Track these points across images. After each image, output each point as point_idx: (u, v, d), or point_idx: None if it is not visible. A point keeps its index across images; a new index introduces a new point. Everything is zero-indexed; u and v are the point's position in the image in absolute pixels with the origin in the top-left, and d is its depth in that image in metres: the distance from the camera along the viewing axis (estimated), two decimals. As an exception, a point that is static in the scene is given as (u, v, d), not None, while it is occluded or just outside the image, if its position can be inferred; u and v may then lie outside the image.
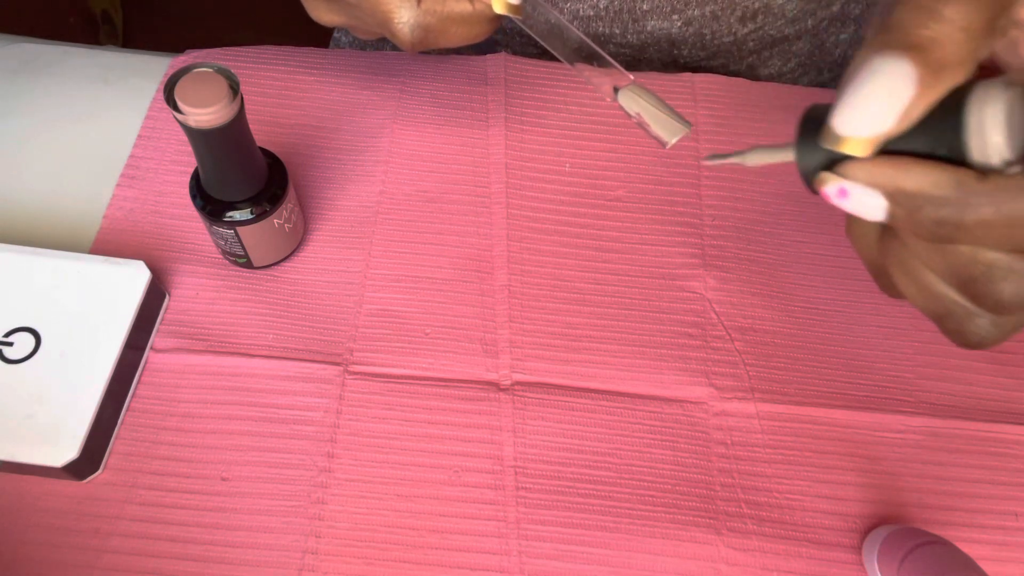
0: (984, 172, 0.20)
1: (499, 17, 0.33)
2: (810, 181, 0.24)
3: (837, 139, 0.22)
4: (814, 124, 0.23)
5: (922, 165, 0.21)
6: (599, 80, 0.30)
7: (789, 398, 0.40)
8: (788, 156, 0.24)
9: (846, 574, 0.37)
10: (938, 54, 0.20)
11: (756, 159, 0.26)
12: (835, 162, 0.23)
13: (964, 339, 0.24)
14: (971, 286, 0.22)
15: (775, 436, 0.39)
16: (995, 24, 0.21)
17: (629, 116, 0.29)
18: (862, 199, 0.22)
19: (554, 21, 0.32)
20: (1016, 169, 0.20)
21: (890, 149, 0.22)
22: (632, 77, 0.28)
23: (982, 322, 0.23)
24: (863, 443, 0.39)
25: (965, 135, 0.20)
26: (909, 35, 0.20)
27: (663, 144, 0.28)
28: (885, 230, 0.24)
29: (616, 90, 0.29)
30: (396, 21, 0.32)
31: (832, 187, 0.23)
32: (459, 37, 0.33)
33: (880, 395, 0.41)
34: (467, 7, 0.33)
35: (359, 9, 0.34)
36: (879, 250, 0.25)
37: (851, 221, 0.26)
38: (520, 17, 0.32)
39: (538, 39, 0.32)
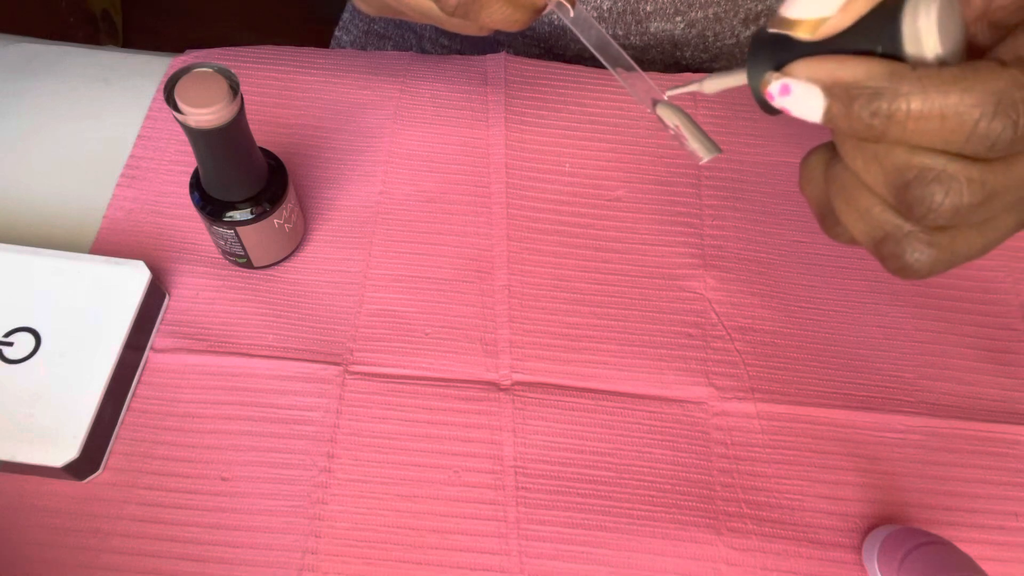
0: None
1: (542, 8, 0.33)
2: (758, 91, 0.25)
3: (785, 22, 0.23)
4: (763, 39, 0.24)
5: (858, 58, 0.22)
6: (639, 89, 0.31)
7: (789, 398, 0.40)
8: (741, 78, 0.26)
9: (846, 574, 0.37)
10: None
11: (712, 85, 0.27)
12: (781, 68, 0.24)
13: (900, 263, 0.24)
14: (905, 193, 0.22)
15: (775, 436, 0.39)
16: None
17: (666, 128, 0.30)
18: (803, 97, 0.23)
19: (596, 33, 0.32)
20: (949, 66, 0.21)
21: (831, 50, 0.23)
22: (665, 96, 0.29)
23: (919, 243, 0.23)
24: (863, 443, 0.39)
25: (901, 33, 0.21)
26: None
27: (698, 160, 0.29)
28: (829, 164, 0.25)
29: (655, 102, 0.30)
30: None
31: (776, 85, 0.24)
32: (500, 15, 0.32)
33: (880, 395, 0.41)
34: None
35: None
36: (825, 188, 0.26)
37: (803, 169, 0.27)
38: (570, 16, 0.32)
39: (585, 42, 0.33)
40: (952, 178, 0.21)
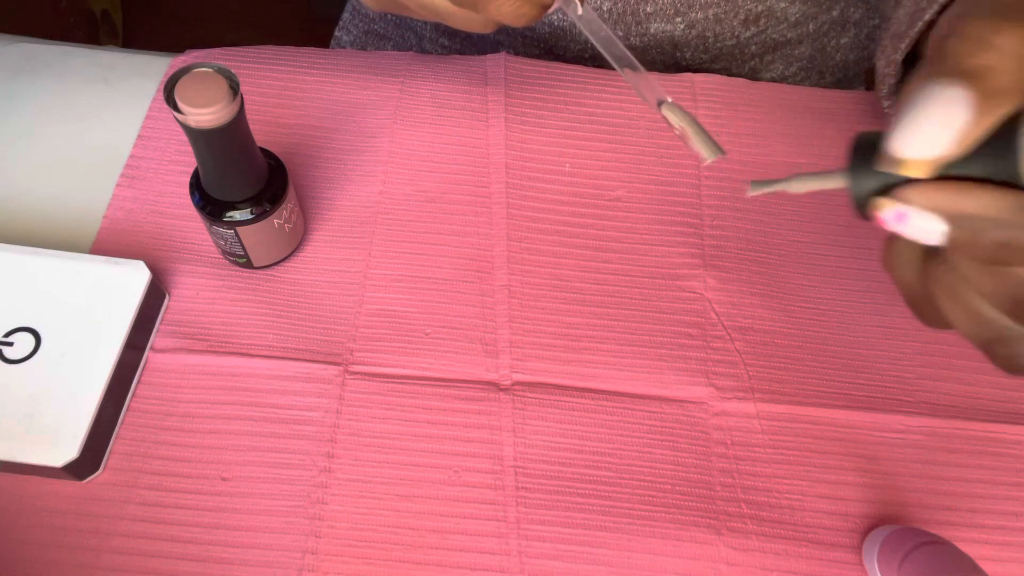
0: None
1: (550, 4, 0.32)
2: (863, 207, 0.24)
3: (894, 162, 0.22)
4: (865, 150, 0.23)
5: (983, 188, 0.21)
6: (644, 89, 0.30)
7: (789, 398, 0.40)
8: (837, 182, 0.25)
9: (846, 574, 0.37)
10: (991, 81, 0.21)
11: (801, 186, 0.26)
12: (888, 188, 0.23)
13: (1016, 363, 0.24)
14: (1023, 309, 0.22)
15: (775, 436, 0.39)
16: None
17: (672, 127, 0.29)
18: (921, 223, 0.23)
19: (603, 32, 0.32)
20: None
21: (947, 176, 0.22)
22: (670, 98, 0.29)
23: None
24: (863, 443, 0.39)
25: (1019, 159, 0.21)
26: (961, 63, 0.21)
27: (701, 160, 0.29)
28: (928, 259, 0.25)
29: (660, 102, 0.30)
30: None
31: (890, 211, 0.23)
32: (508, 8, 0.31)
33: (880, 395, 0.41)
34: None
35: None
36: (921, 279, 0.25)
37: (890, 252, 0.26)
38: (579, 13, 0.32)
39: (592, 40, 0.32)
40: None
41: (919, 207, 0.22)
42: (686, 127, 0.29)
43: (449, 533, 0.37)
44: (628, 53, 0.31)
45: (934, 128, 0.21)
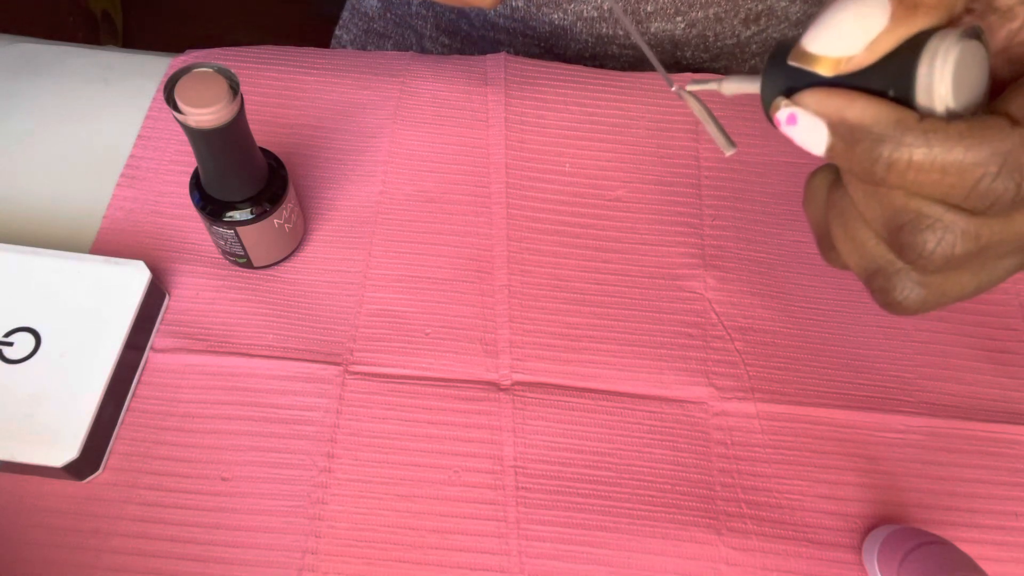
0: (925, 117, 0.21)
1: None
2: (768, 108, 0.24)
3: (805, 56, 0.22)
4: (782, 54, 0.24)
5: (867, 99, 0.22)
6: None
7: (789, 398, 0.40)
8: (756, 87, 0.25)
9: (846, 574, 0.37)
10: None
11: (730, 88, 0.27)
12: (790, 92, 0.23)
13: (889, 298, 0.24)
14: (899, 235, 0.22)
15: (775, 436, 0.39)
16: None
17: (693, 112, 0.30)
18: (808, 127, 0.23)
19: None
20: (957, 120, 0.21)
21: (847, 84, 0.22)
22: (686, 87, 0.29)
23: (908, 282, 0.23)
24: (863, 443, 0.39)
25: (915, 79, 0.21)
26: None
27: (723, 148, 0.29)
28: (831, 188, 0.25)
29: (678, 89, 0.30)
30: None
31: (783, 112, 0.23)
32: None
33: (880, 395, 0.41)
34: None
35: None
36: (825, 207, 0.25)
37: (806, 186, 0.26)
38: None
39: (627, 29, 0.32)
40: (946, 228, 0.21)
41: (809, 110, 0.23)
42: (703, 120, 0.29)
43: (449, 533, 0.37)
44: (644, 44, 0.31)
45: (847, 27, 0.21)
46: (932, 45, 0.21)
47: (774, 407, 0.40)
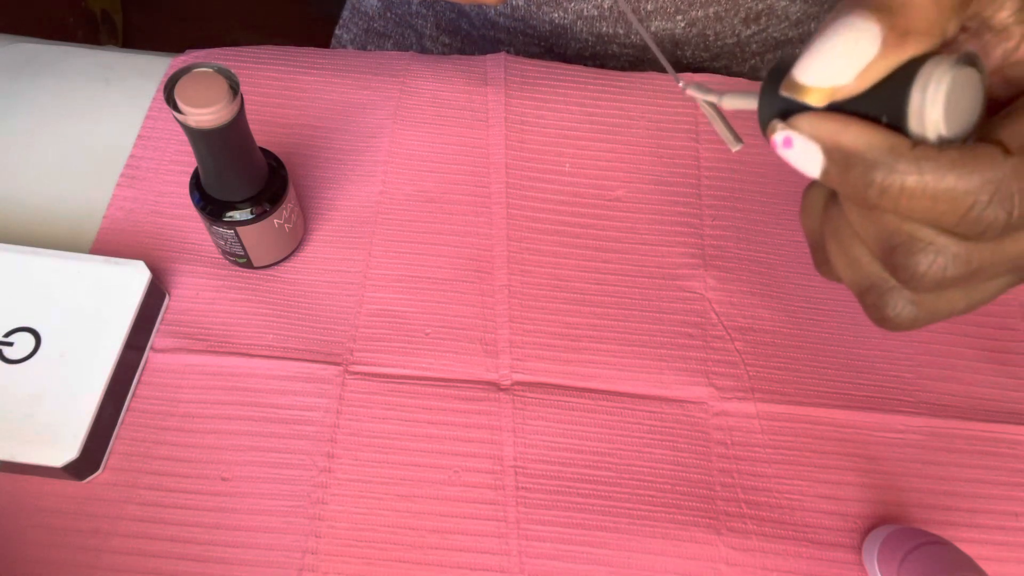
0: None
1: None
2: (764, 128, 0.24)
3: (796, 87, 0.22)
4: (779, 75, 0.23)
5: (862, 125, 0.22)
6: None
7: (789, 398, 0.40)
8: (755, 104, 0.25)
9: (846, 574, 0.37)
10: (905, 20, 0.21)
11: (730, 103, 0.26)
12: (787, 114, 0.23)
13: (881, 314, 0.24)
14: (892, 256, 0.22)
15: (775, 436, 0.39)
16: (967, 2, 0.21)
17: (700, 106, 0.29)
18: (803, 151, 0.23)
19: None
20: (949, 148, 0.21)
21: (840, 108, 0.22)
22: (681, 85, 0.29)
23: (901, 299, 0.23)
24: (863, 443, 0.39)
25: (908, 106, 0.21)
26: None
27: (729, 145, 0.29)
28: (828, 203, 0.25)
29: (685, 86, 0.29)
30: None
31: (779, 135, 0.23)
32: None
33: (880, 395, 0.41)
34: None
35: None
36: (821, 221, 0.26)
37: (803, 197, 0.27)
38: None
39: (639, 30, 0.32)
40: (938, 252, 0.21)
41: (803, 134, 0.23)
42: (709, 117, 0.28)
43: (449, 533, 0.37)
44: (653, 44, 0.31)
45: (837, 58, 0.21)
46: (925, 72, 0.20)
47: (774, 407, 0.40)
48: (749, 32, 0.52)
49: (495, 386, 0.40)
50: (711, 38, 0.52)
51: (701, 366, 0.41)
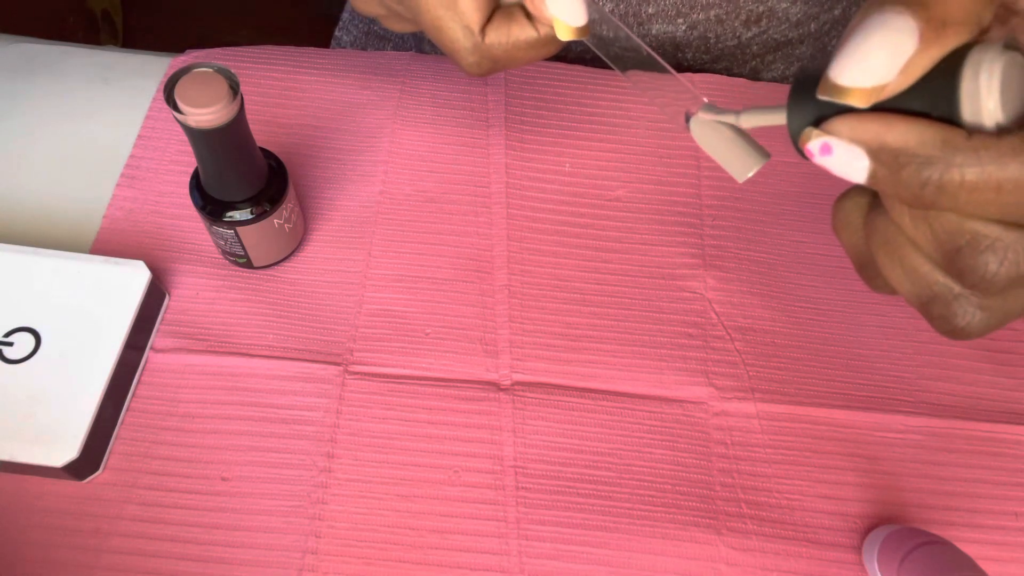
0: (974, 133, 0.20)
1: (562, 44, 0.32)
2: (797, 142, 0.23)
3: (836, 89, 0.21)
4: (807, 83, 0.22)
5: (908, 121, 0.20)
6: (669, 104, 0.28)
7: (789, 398, 0.40)
8: (780, 118, 0.24)
9: (846, 574, 0.37)
10: (940, 11, 0.20)
11: (749, 120, 0.25)
12: (820, 121, 0.22)
13: (950, 325, 0.23)
14: (956, 259, 0.21)
15: (775, 436, 0.39)
16: None
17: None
18: (845, 156, 0.21)
19: (623, 36, 0.30)
20: (1008, 135, 0.20)
21: (883, 108, 0.21)
22: (705, 99, 0.27)
23: (969, 306, 0.22)
24: (863, 443, 0.39)
25: (959, 97, 0.20)
26: None
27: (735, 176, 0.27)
28: (870, 213, 0.24)
29: (688, 118, 0.27)
30: (463, 59, 0.32)
31: (816, 143, 0.22)
32: (526, 60, 0.32)
33: (880, 395, 0.41)
34: (532, 34, 0.32)
35: (417, 26, 0.32)
36: (864, 235, 0.24)
37: (837, 212, 0.25)
38: (587, 38, 0.32)
39: (606, 59, 0.32)
40: (1007, 247, 0.20)
41: (843, 138, 0.21)
42: (712, 149, 0.26)
43: (449, 533, 0.37)
44: (655, 55, 0.30)
45: (876, 56, 0.20)
46: (973, 60, 0.20)
47: (774, 407, 0.40)
48: (750, 34, 0.52)
49: (495, 386, 0.40)
50: (712, 40, 0.52)
51: (701, 366, 0.41)
